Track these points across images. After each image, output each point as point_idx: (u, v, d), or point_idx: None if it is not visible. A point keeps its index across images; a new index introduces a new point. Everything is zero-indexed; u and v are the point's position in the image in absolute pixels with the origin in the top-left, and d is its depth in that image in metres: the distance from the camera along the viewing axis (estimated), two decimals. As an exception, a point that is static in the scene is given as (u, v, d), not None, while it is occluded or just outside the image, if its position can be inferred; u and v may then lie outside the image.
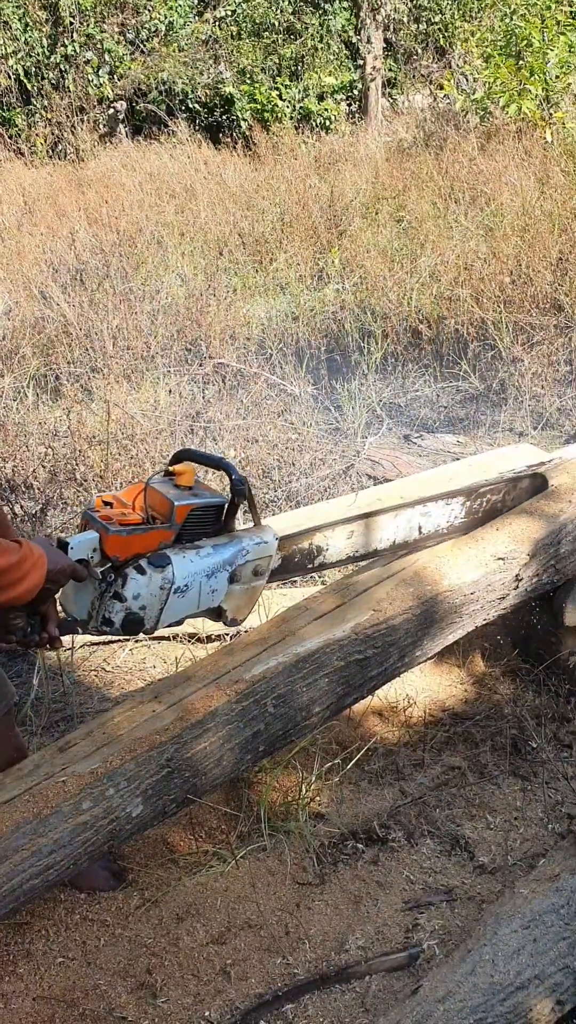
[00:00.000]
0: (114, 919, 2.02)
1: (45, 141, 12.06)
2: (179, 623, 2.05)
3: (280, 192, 8.39)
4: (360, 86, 13.32)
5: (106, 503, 2.00)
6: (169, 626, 2.03)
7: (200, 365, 5.46)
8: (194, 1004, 1.84)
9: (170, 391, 4.98)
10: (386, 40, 13.71)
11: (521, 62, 8.80)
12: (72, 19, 12.40)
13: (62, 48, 12.43)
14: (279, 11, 13.25)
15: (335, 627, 2.19)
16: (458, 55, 12.51)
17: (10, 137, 12.02)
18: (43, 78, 12.45)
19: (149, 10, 12.81)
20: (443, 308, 5.86)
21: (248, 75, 12.90)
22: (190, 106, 12.90)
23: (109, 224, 7.96)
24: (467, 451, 4.42)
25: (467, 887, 2.12)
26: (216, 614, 2.07)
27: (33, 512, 3.78)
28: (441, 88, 10.99)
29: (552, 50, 8.57)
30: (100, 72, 12.58)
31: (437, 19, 13.91)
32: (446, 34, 13.81)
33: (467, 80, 10.92)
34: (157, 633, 2.07)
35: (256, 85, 12.69)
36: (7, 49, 12.25)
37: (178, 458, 2.11)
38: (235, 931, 2.00)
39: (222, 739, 1.96)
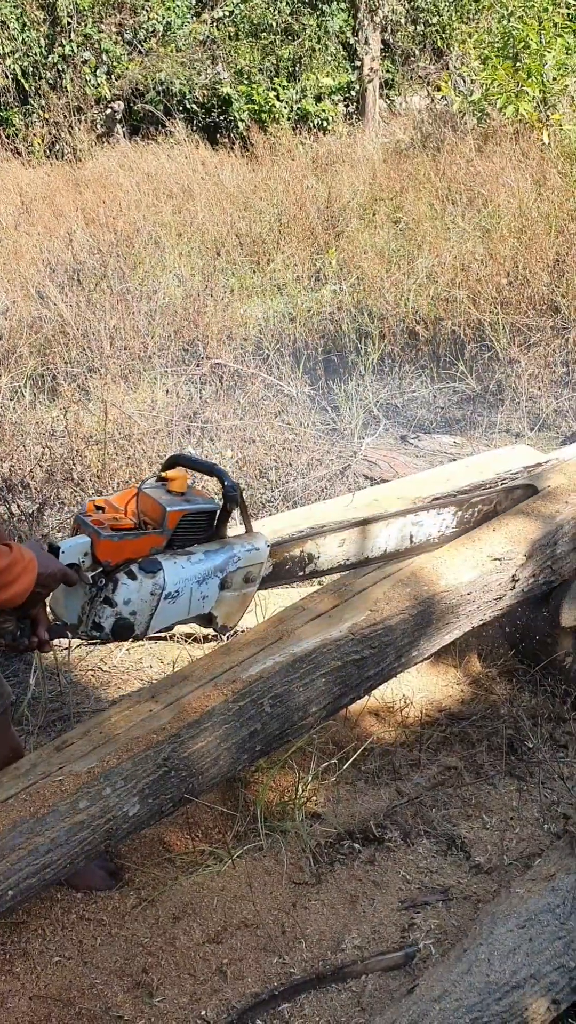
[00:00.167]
0: (110, 918, 2.02)
1: (42, 141, 12.05)
2: (169, 629, 2.05)
3: (277, 193, 8.40)
4: (357, 87, 13.33)
5: (98, 507, 2.00)
6: (160, 632, 2.03)
7: (197, 365, 5.46)
8: (190, 1003, 1.84)
9: (167, 391, 4.98)
10: (384, 41, 13.72)
11: (518, 64, 8.82)
12: (70, 19, 12.40)
13: (60, 48, 12.43)
14: (277, 12, 13.25)
15: (332, 627, 2.19)
16: (455, 57, 12.55)
17: (7, 137, 12.01)
18: (40, 78, 12.45)
19: (147, 10, 12.81)
20: (440, 309, 5.87)
21: (246, 76, 12.91)
22: (187, 106, 12.91)
23: (106, 224, 7.95)
24: (464, 452, 4.43)
25: (463, 887, 2.12)
26: (207, 620, 2.07)
27: (30, 512, 3.78)
28: (438, 89, 11.00)
29: (549, 52, 8.59)
30: (98, 72, 12.58)
31: (435, 20, 13.92)
32: (443, 35, 13.83)
33: (464, 82, 10.93)
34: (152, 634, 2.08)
35: (254, 86, 12.70)
36: (4, 49, 12.25)
37: (171, 463, 2.11)
38: (231, 930, 2.00)
39: (219, 739, 1.96)
